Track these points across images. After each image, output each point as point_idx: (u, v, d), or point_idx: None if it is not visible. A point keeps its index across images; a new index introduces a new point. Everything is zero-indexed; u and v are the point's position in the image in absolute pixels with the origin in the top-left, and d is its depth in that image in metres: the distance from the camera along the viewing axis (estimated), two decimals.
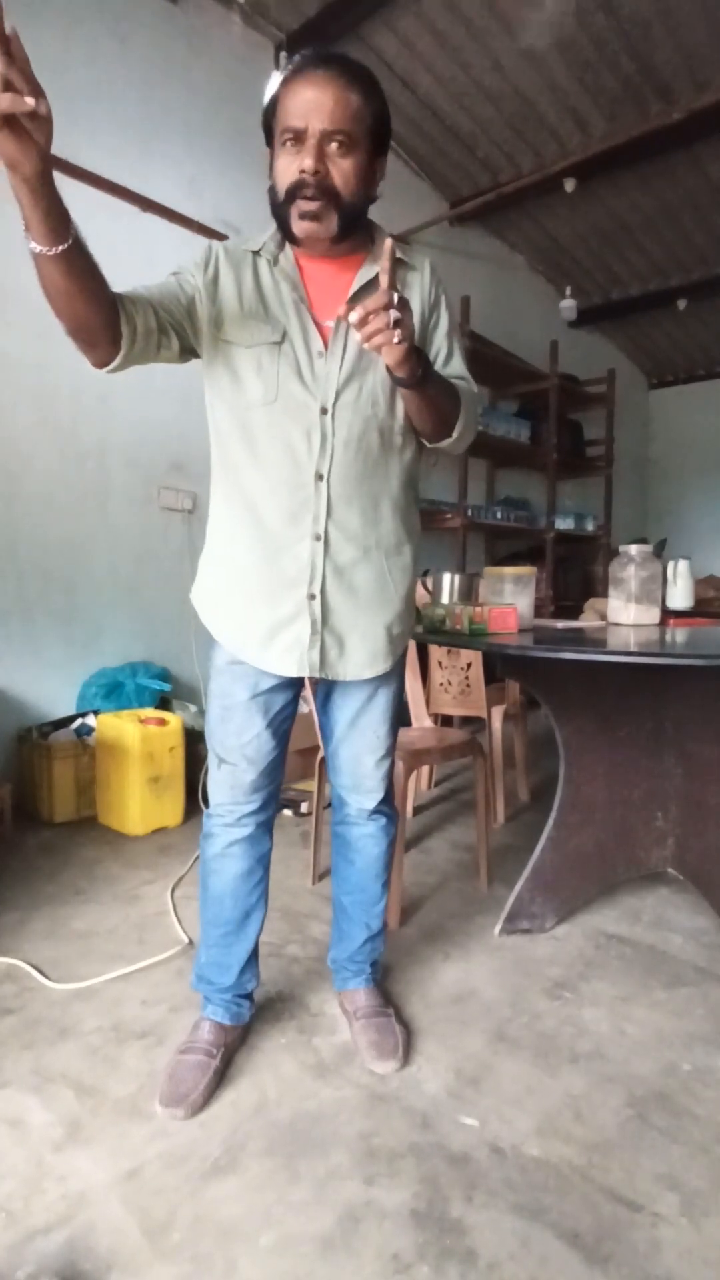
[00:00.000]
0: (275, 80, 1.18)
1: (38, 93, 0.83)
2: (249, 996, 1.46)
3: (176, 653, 3.36)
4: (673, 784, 2.02)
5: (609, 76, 3.68)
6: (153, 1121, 1.26)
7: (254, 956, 1.44)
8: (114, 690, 2.99)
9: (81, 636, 3.07)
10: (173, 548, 3.35)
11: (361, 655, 1.32)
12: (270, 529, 1.25)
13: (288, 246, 1.25)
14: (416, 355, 1.11)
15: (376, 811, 1.47)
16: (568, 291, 5.39)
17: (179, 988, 1.65)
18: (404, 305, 1.04)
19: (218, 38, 3.39)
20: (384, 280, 1.04)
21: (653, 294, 5.71)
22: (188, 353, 1.27)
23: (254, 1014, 1.50)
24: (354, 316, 1.02)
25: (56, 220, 0.97)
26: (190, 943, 1.85)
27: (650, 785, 2.02)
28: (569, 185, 4.20)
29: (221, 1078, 1.36)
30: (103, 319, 1.11)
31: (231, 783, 1.36)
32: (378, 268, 1.22)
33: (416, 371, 1.13)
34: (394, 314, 1.02)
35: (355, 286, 1.24)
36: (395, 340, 1.04)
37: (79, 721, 2.84)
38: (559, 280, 5.66)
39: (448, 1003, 1.63)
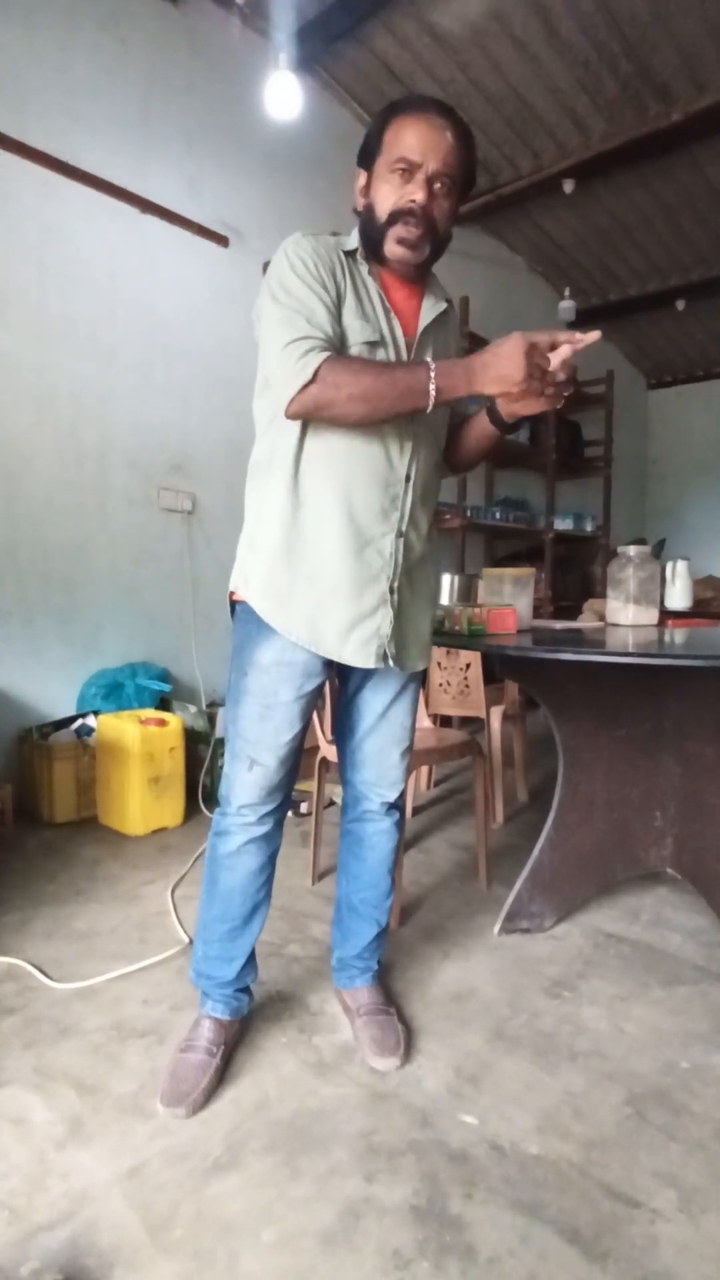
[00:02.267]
0: (282, 79, 1.25)
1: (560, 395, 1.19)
2: (248, 990, 1.47)
3: (176, 653, 3.36)
4: (671, 784, 2.03)
5: (608, 78, 3.69)
6: (154, 1119, 1.27)
7: (253, 951, 1.45)
8: (114, 691, 2.99)
9: (81, 637, 3.07)
10: (173, 548, 3.36)
11: (416, 648, 1.41)
12: (360, 523, 1.28)
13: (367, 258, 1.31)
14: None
15: (394, 806, 1.51)
16: (566, 292, 5.40)
17: (179, 987, 1.66)
18: (574, 379, 1.22)
19: (218, 39, 3.40)
20: (568, 351, 1.17)
21: (651, 295, 5.72)
22: None
23: (254, 1011, 1.51)
24: (563, 352, 1.17)
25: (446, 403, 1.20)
26: (190, 942, 1.86)
27: (649, 785, 2.03)
28: (568, 186, 4.21)
29: (222, 1076, 1.37)
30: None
31: (262, 783, 1.36)
32: (443, 305, 1.36)
33: (518, 427, 1.28)
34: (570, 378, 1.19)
35: (428, 315, 1.33)
36: (558, 401, 1.22)
37: (79, 722, 2.85)
38: (558, 281, 5.67)
39: (447, 1001, 1.64)
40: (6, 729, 2.86)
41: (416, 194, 1.21)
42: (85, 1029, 1.52)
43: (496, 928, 1.94)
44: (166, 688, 3.12)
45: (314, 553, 1.28)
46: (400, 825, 1.54)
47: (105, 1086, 1.35)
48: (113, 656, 3.16)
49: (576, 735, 1.97)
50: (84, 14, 2.94)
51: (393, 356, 1.28)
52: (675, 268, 5.48)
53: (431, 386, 1.15)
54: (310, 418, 1.22)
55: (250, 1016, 1.51)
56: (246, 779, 1.36)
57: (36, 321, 2.85)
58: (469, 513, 4.51)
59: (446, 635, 1.78)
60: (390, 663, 1.33)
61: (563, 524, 5.31)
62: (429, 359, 1.28)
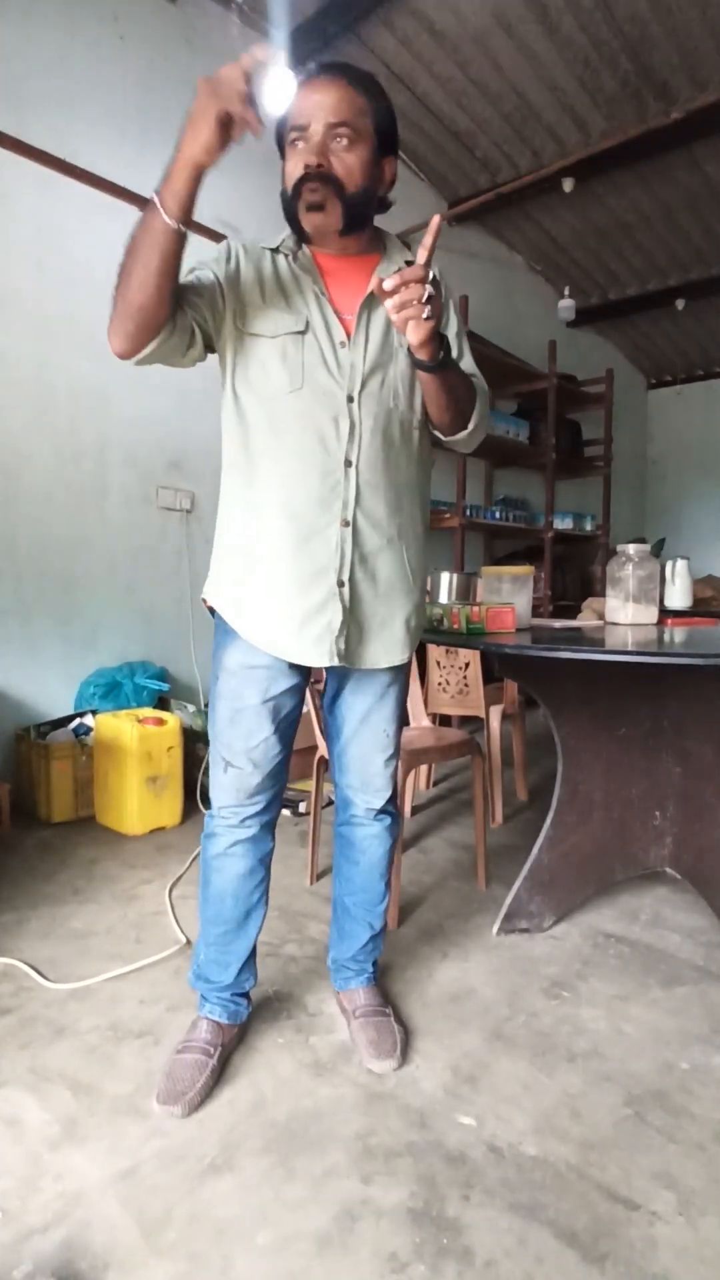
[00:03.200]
0: (282, 78, 1.21)
1: (258, 121, 0.99)
2: (246, 995, 1.46)
3: (174, 653, 3.36)
4: (670, 783, 2.02)
5: (607, 76, 3.68)
6: (149, 1120, 1.26)
7: (252, 955, 1.45)
8: (112, 690, 2.99)
9: (79, 636, 3.07)
10: (171, 547, 3.35)
11: (380, 645, 1.33)
12: (300, 515, 1.25)
13: (304, 246, 1.28)
14: (439, 338, 1.13)
15: (383, 811, 1.48)
16: (566, 291, 5.39)
17: (176, 987, 1.65)
18: (436, 284, 1.06)
19: (217, 37, 3.39)
20: (423, 255, 1.05)
21: (651, 294, 5.71)
22: (207, 350, 1.28)
23: (251, 1013, 1.50)
24: (389, 283, 1.02)
25: (191, 203, 1.07)
26: (188, 942, 1.85)
27: (648, 784, 2.02)
28: (567, 185, 4.20)
29: (219, 1076, 1.36)
30: (165, 309, 1.13)
31: (237, 786, 1.36)
32: (394, 267, 1.27)
33: (438, 354, 1.14)
34: (428, 289, 1.03)
35: (373, 283, 1.24)
36: (425, 316, 1.05)
37: (77, 721, 2.84)
38: (557, 280, 5.66)
39: (445, 1002, 1.63)
40: (4, 728, 2.85)
41: (309, 156, 1.16)
42: (81, 1029, 1.51)
43: (495, 928, 1.93)
44: (164, 687, 3.11)
45: (262, 551, 1.27)
46: (394, 829, 1.51)
47: (100, 1087, 1.34)
48: (110, 655, 3.15)
49: (576, 734, 1.96)
50: (83, 12, 2.93)
51: (323, 341, 1.24)
52: (675, 267, 5.47)
53: (155, 199, 1.05)
54: (132, 338, 1.15)
55: (248, 1020, 1.50)
56: (223, 780, 1.37)
57: (34, 319, 2.84)
58: (468, 511, 4.51)
59: (445, 634, 1.77)
60: (339, 660, 1.28)
61: (562, 523, 5.30)
62: (369, 332, 1.25)
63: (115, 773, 2.65)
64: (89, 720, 2.82)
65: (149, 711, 2.83)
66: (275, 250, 1.28)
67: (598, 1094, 1.35)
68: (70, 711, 2.97)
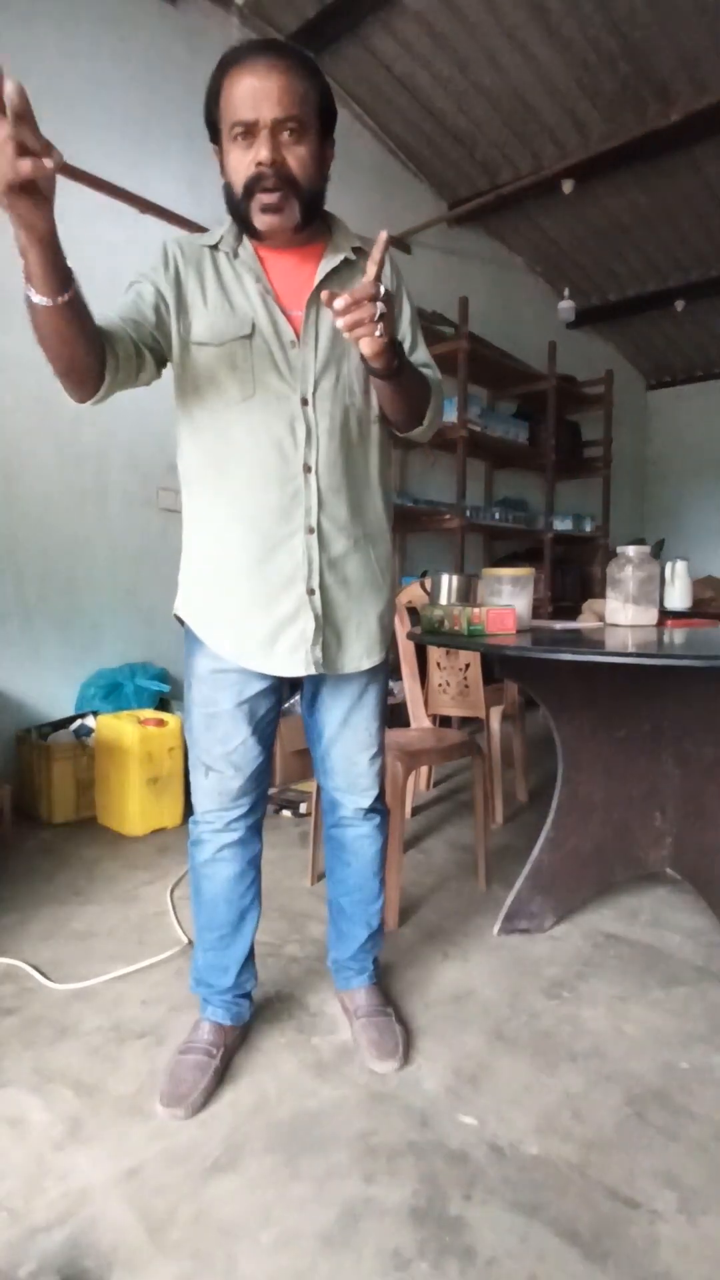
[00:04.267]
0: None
1: (47, 148, 0.82)
2: (248, 996, 1.47)
3: (175, 654, 3.35)
4: (671, 784, 2.02)
5: (607, 78, 3.69)
6: (153, 1121, 1.27)
7: (251, 957, 1.45)
8: (113, 691, 2.99)
9: (80, 638, 3.07)
10: (172, 549, 3.32)
11: (358, 647, 1.32)
12: (261, 527, 1.23)
13: (245, 240, 1.24)
14: (393, 347, 1.11)
15: (371, 810, 1.47)
16: (566, 293, 5.39)
17: (178, 988, 1.66)
18: (388, 298, 1.04)
19: (217, 38, 3.40)
20: (372, 270, 1.03)
21: (651, 295, 5.72)
22: (161, 366, 1.26)
23: (253, 1013, 1.50)
24: (338, 303, 0.99)
25: (62, 271, 0.97)
26: (189, 943, 1.86)
27: (648, 785, 2.03)
28: (567, 187, 4.21)
29: (221, 1077, 1.37)
30: (95, 358, 1.10)
31: (219, 790, 1.35)
32: (340, 256, 1.24)
33: (393, 363, 1.12)
34: (380, 306, 1.01)
35: (320, 275, 1.23)
36: (377, 334, 1.03)
37: (78, 722, 2.85)
38: (557, 281, 5.67)
39: (446, 1002, 1.64)
40: (5, 729, 2.85)
41: (261, 153, 1.11)
42: (84, 1030, 1.51)
43: (496, 928, 1.93)
44: (165, 688, 3.12)
45: (227, 566, 1.26)
46: (383, 828, 1.50)
47: (104, 1087, 1.35)
48: (112, 657, 3.16)
49: (576, 736, 1.97)
50: (83, 14, 2.94)
51: (271, 343, 1.20)
52: (674, 268, 5.48)
53: (24, 283, 0.97)
54: (80, 392, 1.14)
55: (250, 1021, 1.50)
56: (205, 786, 1.36)
57: None
58: (468, 513, 4.51)
59: (446, 635, 1.78)
60: (318, 669, 1.27)
61: (562, 524, 5.31)
62: (319, 328, 1.22)
63: (116, 774, 2.65)
64: (90, 721, 2.83)
65: (150, 713, 2.84)
66: (214, 247, 1.24)
67: (599, 1094, 1.36)
68: (71, 712, 2.98)
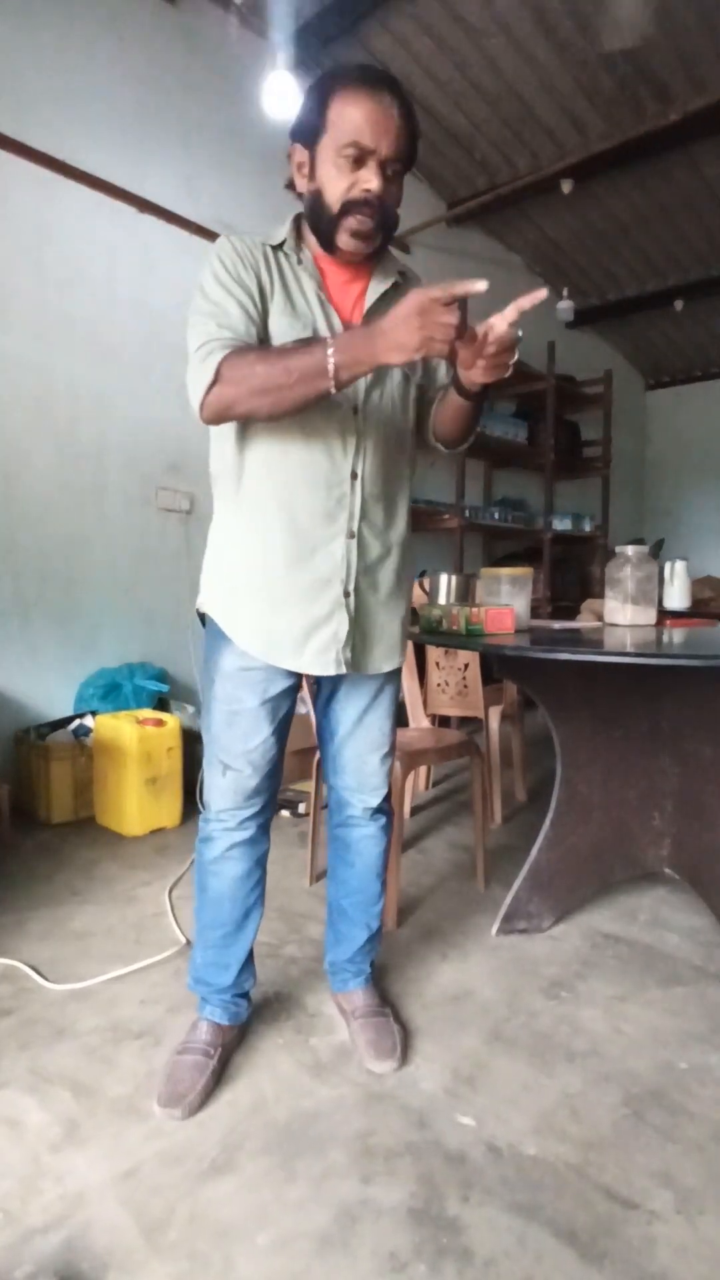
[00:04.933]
0: (280, 79, 1.20)
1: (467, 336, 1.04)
2: (246, 996, 1.47)
3: (174, 654, 3.36)
4: (669, 784, 2.02)
5: (605, 78, 3.69)
6: (150, 1121, 1.27)
7: (250, 957, 1.45)
8: (112, 691, 2.99)
9: (79, 637, 3.07)
10: (170, 548, 3.35)
11: (381, 649, 1.36)
12: (304, 527, 1.25)
13: (305, 247, 1.27)
14: None
15: (379, 810, 1.48)
16: (565, 292, 5.39)
17: (176, 988, 1.66)
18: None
19: (215, 38, 3.40)
20: (514, 315, 1.07)
21: (649, 295, 5.72)
22: None
23: (251, 1014, 1.50)
24: (490, 349, 1.07)
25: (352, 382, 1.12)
26: (187, 943, 1.86)
27: (647, 785, 2.03)
28: (566, 186, 4.21)
29: (219, 1077, 1.36)
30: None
31: (235, 788, 1.35)
32: (390, 281, 1.30)
33: (485, 389, 1.19)
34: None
35: (372, 296, 1.27)
36: (508, 372, 1.11)
37: (77, 722, 2.84)
38: (556, 281, 5.67)
39: (445, 1002, 1.63)
40: (3, 729, 2.85)
41: (372, 183, 1.15)
42: (81, 1030, 1.51)
43: (494, 928, 1.93)
44: (164, 688, 3.11)
45: (262, 562, 1.27)
46: (388, 829, 1.52)
47: (101, 1088, 1.35)
48: (110, 656, 3.16)
49: (575, 735, 1.96)
50: (82, 13, 2.93)
51: None
52: (673, 268, 5.48)
53: (330, 364, 1.06)
54: (223, 419, 1.18)
55: (248, 1021, 1.50)
56: (221, 784, 1.36)
57: (34, 321, 2.85)
58: (467, 513, 4.51)
59: (444, 635, 1.77)
60: (346, 668, 1.29)
61: (561, 524, 5.31)
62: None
63: (115, 774, 2.65)
64: (89, 721, 2.82)
65: (149, 712, 2.83)
66: (277, 248, 1.25)
67: (596, 1094, 1.36)
68: (70, 712, 2.97)
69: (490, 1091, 1.36)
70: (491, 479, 5.43)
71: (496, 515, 4.83)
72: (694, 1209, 1.12)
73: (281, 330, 1.22)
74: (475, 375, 1.12)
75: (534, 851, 1.95)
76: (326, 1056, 1.44)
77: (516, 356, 1.11)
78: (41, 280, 2.85)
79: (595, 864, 2.02)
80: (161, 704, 3.09)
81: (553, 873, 1.97)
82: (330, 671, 1.29)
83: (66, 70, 2.90)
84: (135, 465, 3.20)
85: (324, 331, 1.23)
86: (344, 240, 1.20)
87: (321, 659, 1.28)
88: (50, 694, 2.99)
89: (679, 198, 4.66)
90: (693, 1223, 1.09)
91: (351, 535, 1.27)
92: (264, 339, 1.21)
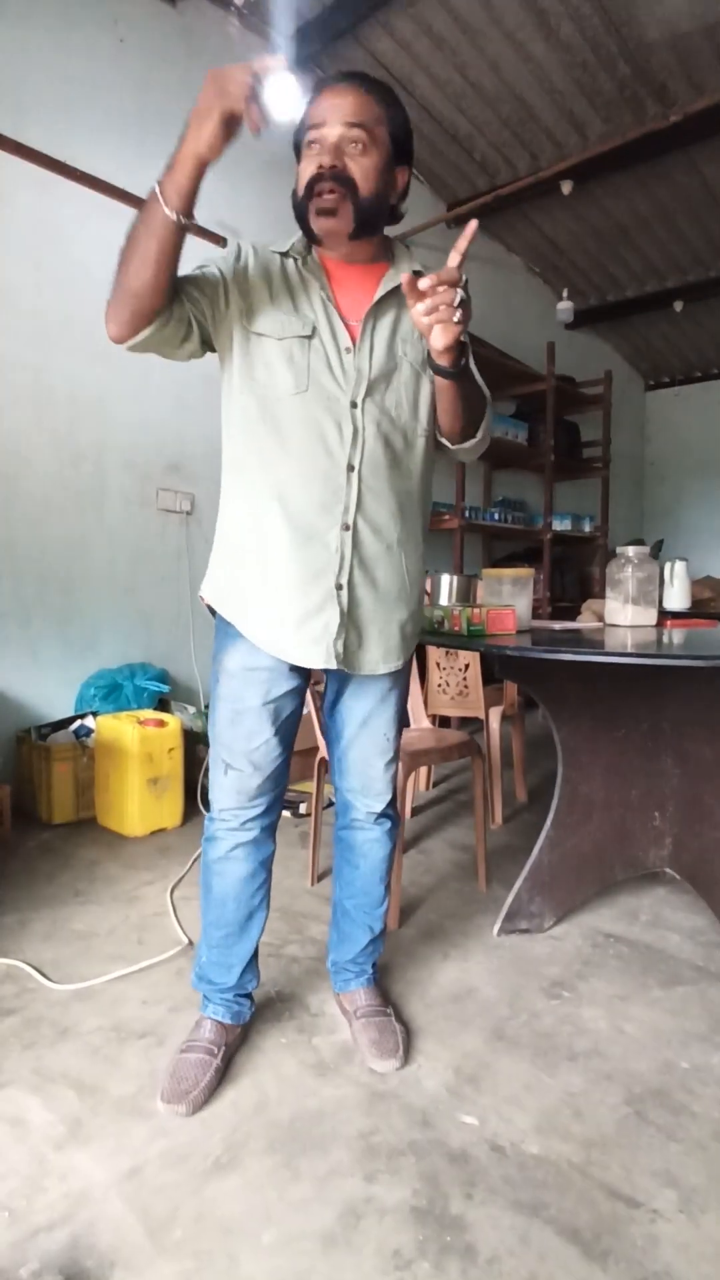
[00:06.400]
0: (280, 80, 1.23)
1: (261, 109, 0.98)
2: (249, 996, 1.47)
3: (175, 654, 3.36)
4: (670, 784, 2.03)
5: (605, 79, 3.69)
6: (153, 1120, 1.27)
7: (254, 957, 1.45)
8: (113, 692, 2.99)
9: (80, 638, 3.07)
10: (170, 549, 3.35)
11: (377, 650, 1.34)
12: (300, 518, 1.25)
13: (313, 250, 1.28)
14: (462, 345, 1.12)
15: (383, 815, 1.48)
16: (565, 293, 5.40)
17: (179, 988, 1.66)
18: (466, 289, 1.06)
19: (215, 39, 3.40)
20: (456, 257, 1.04)
21: (649, 296, 5.73)
22: (206, 347, 1.28)
23: (254, 1013, 1.51)
24: (424, 282, 1.01)
25: (194, 197, 1.08)
26: (190, 943, 1.86)
27: (648, 785, 2.03)
28: (566, 187, 4.21)
29: (222, 1076, 1.37)
30: (162, 298, 1.14)
31: (238, 788, 1.36)
32: (401, 276, 1.24)
33: (459, 361, 1.14)
34: (460, 293, 1.03)
35: (381, 291, 1.27)
36: (455, 319, 1.04)
37: (78, 723, 2.85)
38: (556, 282, 5.67)
39: (447, 1002, 1.64)
40: (5, 730, 2.85)
41: (323, 157, 1.16)
42: (84, 1030, 1.52)
43: (496, 928, 1.94)
44: (165, 688, 3.12)
45: (262, 551, 1.27)
46: (394, 833, 1.52)
47: (104, 1088, 1.35)
48: (111, 657, 3.16)
49: (575, 736, 1.97)
50: (81, 13, 2.94)
51: (328, 346, 1.24)
52: (673, 269, 5.49)
53: (155, 189, 1.06)
54: (125, 328, 1.16)
55: (250, 1021, 1.50)
56: (224, 783, 1.37)
57: (33, 322, 2.85)
58: (467, 513, 4.51)
59: (446, 636, 1.78)
60: (338, 662, 1.28)
61: (561, 524, 5.31)
62: (374, 340, 1.26)
63: (116, 774, 2.65)
64: (90, 722, 2.82)
65: (149, 713, 2.84)
66: (284, 254, 1.28)
67: (599, 1093, 1.36)
68: (71, 713, 2.97)
69: (493, 1091, 1.36)
70: (491, 479, 5.43)
71: (496, 516, 4.83)
72: (697, 1208, 1.12)
73: (281, 324, 1.24)
74: (434, 340, 1.08)
75: (535, 851, 1.95)
76: (329, 1056, 1.45)
77: (464, 314, 1.04)
78: (40, 281, 2.85)
79: (596, 864, 2.03)
80: (162, 704, 3.09)
81: (554, 873, 1.97)
82: (320, 663, 1.28)
83: (67, 71, 2.90)
84: (135, 466, 3.21)
85: (324, 329, 1.24)
86: (315, 223, 1.20)
87: (314, 649, 1.27)
88: (51, 695, 2.99)
89: (679, 199, 4.67)
90: (696, 1221, 1.10)
91: (346, 527, 1.26)
92: (213, 314, 1.23)
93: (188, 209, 1.07)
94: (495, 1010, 1.61)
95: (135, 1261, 1.01)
